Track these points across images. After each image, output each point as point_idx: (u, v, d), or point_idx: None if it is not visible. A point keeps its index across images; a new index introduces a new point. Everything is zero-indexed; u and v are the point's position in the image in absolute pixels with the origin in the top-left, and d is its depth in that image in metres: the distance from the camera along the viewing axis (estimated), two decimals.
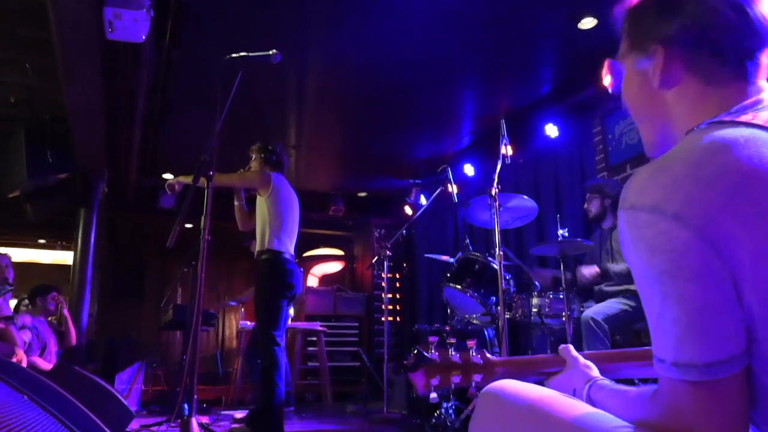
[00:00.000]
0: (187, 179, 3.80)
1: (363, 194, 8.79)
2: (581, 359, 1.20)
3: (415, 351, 1.27)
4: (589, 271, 3.97)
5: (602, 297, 3.98)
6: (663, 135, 0.99)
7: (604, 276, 3.99)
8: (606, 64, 1.09)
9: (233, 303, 5.90)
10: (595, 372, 1.15)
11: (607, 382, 1.08)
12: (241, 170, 4.33)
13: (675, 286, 0.75)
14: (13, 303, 6.04)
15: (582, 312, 3.77)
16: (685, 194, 0.75)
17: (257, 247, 4.17)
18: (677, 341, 0.76)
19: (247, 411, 5.45)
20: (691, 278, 0.74)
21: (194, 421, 2.80)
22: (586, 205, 4.23)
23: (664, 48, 0.93)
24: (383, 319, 5.31)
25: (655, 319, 0.80)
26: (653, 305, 0.79)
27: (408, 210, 8.00)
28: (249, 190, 4.46)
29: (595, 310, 3.63)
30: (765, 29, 0.88)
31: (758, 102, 0.87)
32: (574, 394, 1.12)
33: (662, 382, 0.81)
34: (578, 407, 0.97)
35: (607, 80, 1.10)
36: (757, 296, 0.73)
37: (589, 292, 4.24)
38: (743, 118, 0.83)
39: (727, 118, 0.84)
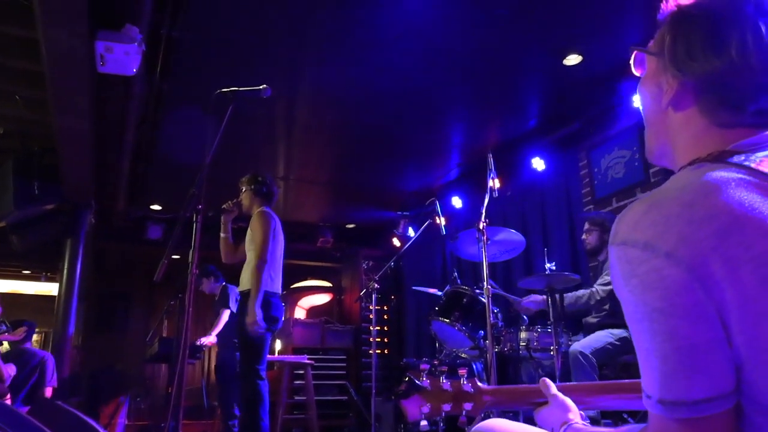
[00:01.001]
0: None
1: (351, 226, 8.80)
2: (560, 396, 1.20)
3: (407, 378, 1.27)
4: (533, 299, 3.99)
5: (589, 329, 3.99)
6: (663, 149, 0.99)
7: (592, 307, 4.01)
8: (634, 53, 1.04)
9: (202, 343, 5.84)
10: (572, 413, 1.15)
11: (580, 425, 1.08)
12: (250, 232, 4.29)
13: (666, 324, 0.75)
14: None
15: (570, 346, 3.77)
16: (678, 233, 0.76)
17: (246, 285, 4.14)
18: (664, 378, 0.77)
19: None
20: (681, 316, 0.74)
21: None
22: (584, 236, 4.23)
23: (685, 78, 0.91)
24: (371, 352, 5.26)
25: (644, 354, 0.80)
26: (643, 341, 0.80)
27: (396, 242, 8.01)
28: (244, 219, 4.46)
29: (582, 344, 3.63)
30: None
31: (762, 139, 0.86)
32: None
33: (651, 419, 0.81)
34: None
35: (633, 68, 1.06)
36: (744, 337, 0.74)
37: (579, 325, 4.24)
38: (736, 159, 0.83)
39: (721, 160, 0.84)
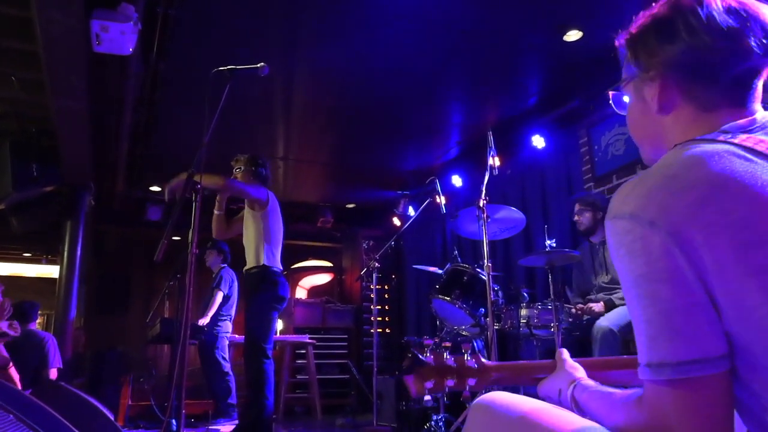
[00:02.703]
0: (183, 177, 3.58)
1: (351, 206, 8.79)
2: (569, 361, 1.21)
3: (410, 354, 1.27)
4: (598, 307, 3.92)
5: (611, 305, 3.93)
6: (660, 153, 1.02)
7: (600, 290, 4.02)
8: (611, 94, 1.15)
9: (200, 322, 5.87)
10: (580, 373, 1.16)
11: (591, 383, 1.09)
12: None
13: (649, 288, 0.80)
14: None
15: (572, 322, 3.78)
16: (659, 202, 0.81)
17: (250, 263, 4.15)
18: (650, 341, 0.80)
19: (232, 422, 5.43)
20: (663, 280, 0.79)
21: None
22: (576, 218, 4.24)
23: (662, 74, 0.96)
24: (372, 330, 5.28)
25: (635, 322, 0.83)
26: (633, 309, 0.83)
27: (396, 221, 8.00)
28: (237, 200, 4.45)
29: (608, 319, 3.59)
30: (758, 56, 0.90)
31: (751, 123, 0.90)
32: (559, 395, 1.13)
33: (645, 386, 0.83)
34: (570, 419, 0.98)
35: (615, 108, 1.16)
36: (727, 301, 0.77)
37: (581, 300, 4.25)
38: (723, 137, 0.87)
39: (708, 137, 0.89)
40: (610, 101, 1.17)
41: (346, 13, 4.04)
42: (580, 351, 3.66)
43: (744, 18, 0.90)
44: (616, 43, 1.07)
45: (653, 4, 1.01)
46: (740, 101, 0.93)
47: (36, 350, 5.05)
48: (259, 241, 4.13)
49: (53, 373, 5.13)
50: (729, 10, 0.91)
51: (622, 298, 3.81)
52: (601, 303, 3.88)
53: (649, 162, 1.08)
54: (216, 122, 2.91)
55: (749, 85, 0.93)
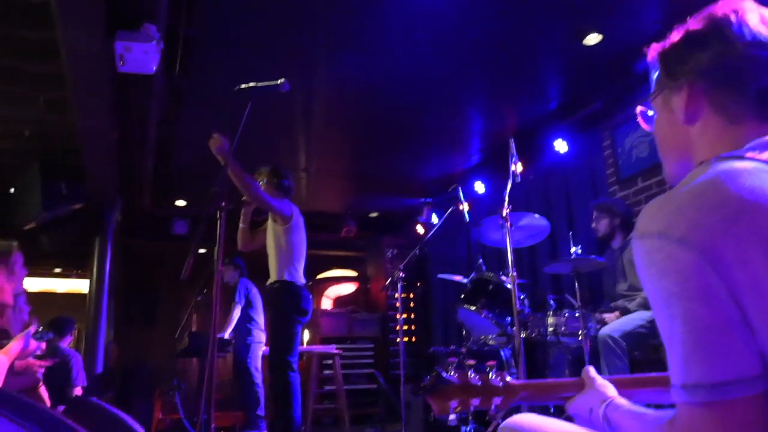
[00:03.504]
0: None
1: (374, 214, 8.80)
2: (599, 379, 1.20)
3: (434, 372, 1.26)
4: (610, 318, 3.87)
5: (625, 312, 3.93)
6: (684, 167, 1.03)
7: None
8: (638, 110, 1.14)
9: (221, 335, 5.92)
10: (612, 391, 1.14)
11: (623, 401, 1.07)
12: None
13: (682, 307, 0.78)
14: None
15: (599, 329, 3.73)
16: (689, 220, 0.79)
17: (273, 277, 4.18)
18: (685, 362, 0.78)
19: None
20: (695, 298, 0.77)
21: None
22: (594, 225, 4.21)
23: (690, 83, 0.97)
24: (398, 340, 5.27)
25: (667, 342, 0.82)
26: (665, 329, 0.82)
27: (420, 229, 7.99)
28: (262, 211, 4.49)
29: (612, 328, 3.60)
30: None
31: None
32: (591, 413, 1.12)
33: (678, 408, 0.81)
34: None
35: (642, 124, 1.15)
36: (761, 319, 0.75)
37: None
38: (750, 154, 0.87)
39: (736, 154, 0.88)
40: (638, 118, 1.16)
41: (363, 22, 4.05)
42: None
43: None
44: (648, 58, 1.08)
45: (674, 8, 1.02)
46: (765, 116, 0.93)
47: (60, 368, 5.11)
48: (281, 256, 4.16)
49: (78, 391, 5.19)
50: (763, 23, 0.92)
51: (638, 305, 3.77)
52: (616, 313, 3.85)
53: (671, 179, 1.08)
54: (238, 140, 2.94)
55: None
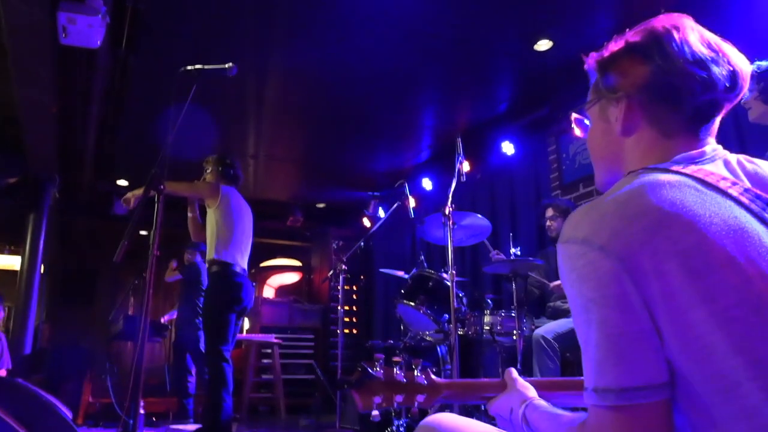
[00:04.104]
0: (140, 192, 3.71)
1: (321, 205, 8.76)
2: (520, 380, 1.22)
3: (360, 368, 1.26)
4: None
5: (556, 314, 4.04)
6: (614, 176, 1.04)
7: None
8: (573, 117, 1.17)
9: (163, 321, 5.81)
10: (532, 393, 1.17)
11: (542, 403, 1.10)
12: (195, 181, 4.30)
13: (598, 313, 0.80)
14: None
15: (533, 330, 3.82)
16: (611, 228, 0.82)
17: (208, 255, 4.13)
18: (597, 366, 0.80)
19: (194, 424, 5.37)
20: (612, 305, 0.79)
21: None
22: (548, 223, 4.27)
23: (629, 95, 0.98)
24: (338, 332, 5.27)
25: (583, 347, 0.84)
26: (581, 333, 0.84)
27: (366, 222, 7.99)
28: (197, 200, 4.42)
29: (545, 329, 3.68)
30: (722, 91, 0.93)
31: (702, 154, 0.93)
32: (511, 414, 1.14)
33: (590, 410, 0.84)
34: None
35: (576, 131, 1.17)
36: (670, 329, 0.78)
37: (542, 309, 4.29)
38: (675, 167, 0.89)
39: (662, 166, 0.91)
40: (573, 125, 1.18)
41: (318, 13, 4.02)
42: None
43: (715, 52, 0.94)
44: (586, 65, 1.09)
45: (625, 18, 1.03)
46: (697, 132, 0.96)
47: None
48: (213, 235, 4.10)
49: (2, 373, 5.02)
50: (702, 42, 0.94)
51: None
52: None
53: (601, 186, 1.10)
54: (181, 121, 2.87)
55: (709, 118, 0.96)
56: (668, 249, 0.78)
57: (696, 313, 0.76)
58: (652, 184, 0.85)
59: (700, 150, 0.94)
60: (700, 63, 0.92)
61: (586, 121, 1.12)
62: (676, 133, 0.95)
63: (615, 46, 1.02)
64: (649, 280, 0.78)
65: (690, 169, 0.88)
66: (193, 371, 5.88)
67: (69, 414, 3.68)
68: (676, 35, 0.94)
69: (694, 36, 0.94)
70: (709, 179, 0.86)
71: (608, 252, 0.80)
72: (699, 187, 0.84)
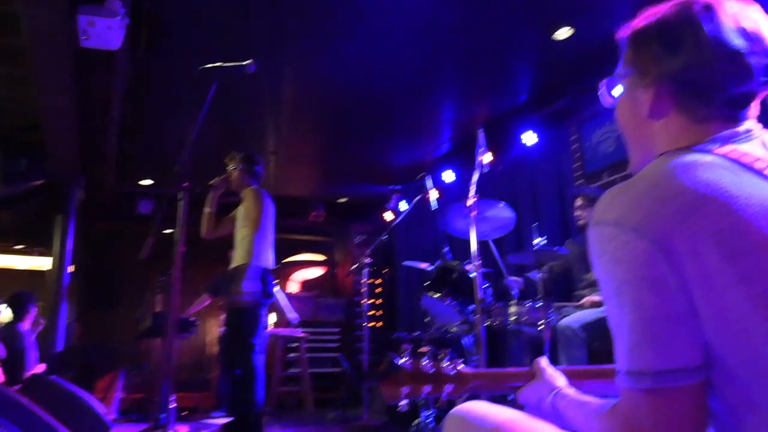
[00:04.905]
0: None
1: (343, 200, 8.78)
2: (550, 369, 1.21)
3: (387, 359, 1.26)
4: (590, 299, 3.91)
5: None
6: (645, 159, 1.02)
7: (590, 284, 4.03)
8: (604, 82, 1.13)
9: (193, 310, 5.86)
10: (561, 382, 1.16)
11: (571, 391, 1.09)
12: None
13: (632, 295, 0.79)
14: None
15: (560, 320, 3.79)
16: (644, 209, 0.81)
17: (240, 260, 4.14)
18: (631, 349, 0.80)
19: (225, 417, 5.43)
20: (646, 287, 0.78)
21: None
22: (577, 212, 4.22)
23: (657, 83, 0.95)
24: (364, 325, 5.29)
25: (615, 329, 0.83)
26: (614, 316, 0.83)
27: (388, 216, 7.99)
28: (229, 194, 4.46)
29: (572, 318, 3.64)
30: (759, 82, 0.90)
31: (736, 134, 0.90)
32: (540, 403, 1.13)
33: (621, 394, 0.83)
34: (545, 430, 0.98)
35: (605, 99, 1.14)
36: (707, 311, 0.76)
37: (567, 297, 4.26)
38: (710, 147, 0.87)
39: (695, 147, 0.89)
40: (602, 90, 1.15)
41: (334, 9, 4.01)
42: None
43: (752, 40, 0.90)
44: (617, 35, 1.05)
45: (646, 5, 1.00)
46: (733, 118, 0.92)
47: (20, 349, 5.04)
48: (251, 239, 4.14)
49: (41, 368, 5.13)
50: (739, 30, 0.90)
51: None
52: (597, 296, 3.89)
53: (633, 166, 1.08)
54: (203, 119, 2.90)
55: (744, 105, 0.93)
56: (704, 230, 0.76)
57: (733, 294, 0.75)
58: (686, 165, 0.83)
59: (735, 129, 0.91)
60: (735, 55, 0.89)
61: (616, 91, 1.09)
62: (707, 120, 0.92)
63: (648, 21, 0.99)
64: (685, 261, 0.76)
65: (724, 150, 0.86)
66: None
67: (103, 409, 3.75)
68: (710, 21, 0.90)
69: (730, 21, 0.90)
70: (743, 159, 0.84)
71: (642, 233, 0.79)
72: (734, 167, 0.82)
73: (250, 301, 4.04)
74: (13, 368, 4.92)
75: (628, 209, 0.82)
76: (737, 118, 0.93)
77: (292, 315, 6.62)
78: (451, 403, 1.30)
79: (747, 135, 0.90)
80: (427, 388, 1.24)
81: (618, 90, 1.09)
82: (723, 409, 0.80)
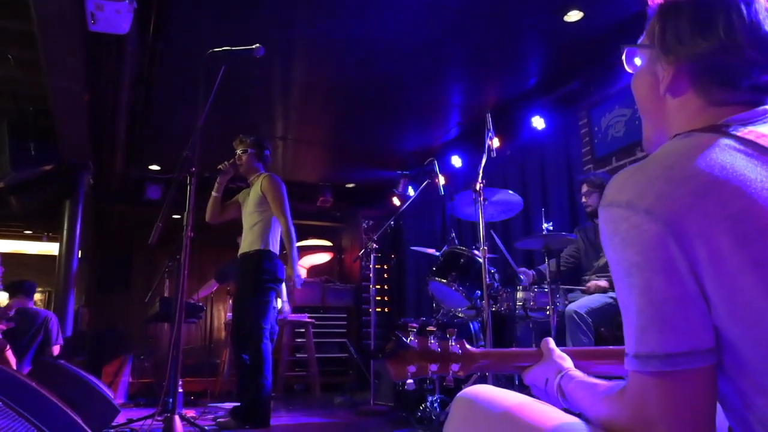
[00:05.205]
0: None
1: (351, 185, 8.78)
2: (557, 351, 1.20)
3: (394, 337, 1.26)
4: (604, 282, 3.89)
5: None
6: (660, 136, 1.01)
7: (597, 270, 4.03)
8: (625, 49, 1.09)
9: (201, 294, 5.89)
10: (568, 363, 1.15)
11: (578, 373, 1.08)
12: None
13: (641, 277, 0.78)
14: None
15: (567, 305, 3.79)
16: (657, 191, 0.79)
17: (251, 246, 4.16)
18: (640, 332, 0.79)
19: (233, 403, 5.47)
20: (656, 269, 0.77)
21: (177, 419, 2.80)
22: (584, 199, 4.20)
23: (679, 62, 0.93)
24: (371, 310, 5.31)
25: (624, 312, 0.82)
26: (623, 298, 0.82)
27: (396, 201, 7.99)
28: (236, 179, 4.48)
29: (578, 304, 3.64)
30: None
31: (754, 114, 0.88)
32: (546, 384, 1.13)
33: (630, 377, 0.82)
34: (553, 415, 0.97)
35: (626, 66, 1.10)
36: (718, 295, 0.76)
37: (575, 282, 4.25)
38: (725, 129, 0.85)
39: (710, 129, 0.87)
40: (623, 56, 1.10)
41: None
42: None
43: None
44: (650, 2, 1.01)
45: None
46: (754, 102, 0.90)
47: (35, 329, 5.08)
48: (266, 226, 4.17)
49: (56, 350, 5.18)
50: None
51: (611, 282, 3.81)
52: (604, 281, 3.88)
53: (648, 143, 1.07)
54: (211, 103, 2.90)
55: (767, 90, 0.91)
56: (717, 213, 0.75)
57: (745, 278, 0.74)
58: (700, 147, 0.82)
59: (753, 109, 0.89)
60: (762, 45, 0.87)
61: (638, 60, 1.06)
62: (726, 103, 0.90)
63: None
64: (697, 244, 0.76)
65: (741, 132, 0.84)
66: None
67: (111, 394, 3.78)
68: (749, 4, 0.88)
69: (763, 8, 0.88)
70: (761, 141, 0.82)
71: (654, 215, 0.78)
72: (750, 150, 0.81)
73: (259, 285, 4.07)
74: (41, 349, 4.99)
75: (641, 191, 0.81)
76: (759, 102, 0.90)
77: (286, 307, 6.64)
78: (457, 388, 1.29)
79: (766, 116, 0.88)
80: (434, 367, 1.24)
81: (638, 60, 1.06)
82: (732, 392, 0.79)
